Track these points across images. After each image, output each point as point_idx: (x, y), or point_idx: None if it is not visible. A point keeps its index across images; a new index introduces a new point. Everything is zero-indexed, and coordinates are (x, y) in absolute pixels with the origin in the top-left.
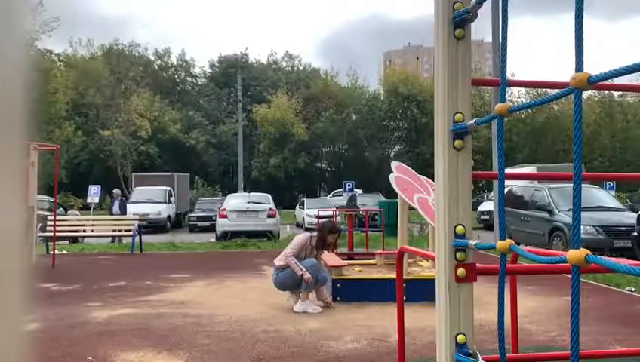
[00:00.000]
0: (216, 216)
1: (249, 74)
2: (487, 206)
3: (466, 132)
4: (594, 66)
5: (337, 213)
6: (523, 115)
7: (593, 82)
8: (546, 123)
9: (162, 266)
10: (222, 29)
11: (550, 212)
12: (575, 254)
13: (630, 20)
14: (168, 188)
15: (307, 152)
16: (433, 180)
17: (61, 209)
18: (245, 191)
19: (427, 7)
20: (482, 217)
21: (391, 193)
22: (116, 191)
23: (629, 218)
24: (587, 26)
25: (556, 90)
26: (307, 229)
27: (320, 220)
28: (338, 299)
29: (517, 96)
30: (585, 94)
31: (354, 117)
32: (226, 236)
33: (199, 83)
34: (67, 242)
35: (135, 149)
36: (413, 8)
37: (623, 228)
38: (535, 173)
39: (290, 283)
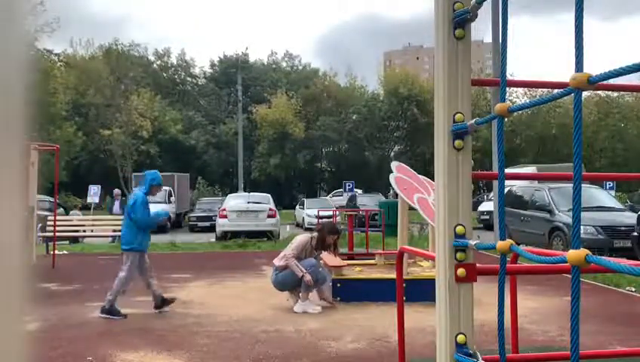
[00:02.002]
0: (216, 216)
1: (249, 74)
2: (487, 206)
3: (466, 132)
4: (592, 66)
5: (337, 213)
6: (523, 116)
7: (593, 82)
8: (549, 127)
9: (162, 266)
10: (222, 29)
11: (550, 212)
12: (575, 254)
13: (628, 20)
14: (168, 188)
15: (307, 151)
16: (433, 180)
17: (61, 209)
18: (245, 191)
19: (427, 7)
20: (482, 217)
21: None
22: (116, 191)
23: (629, 218)
24: (585, 26)
25: (556, 90)
26: (307, 229)
27: (320, 220)
28: (338, 299)
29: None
30: (583, 95)
31: (354, 117)
32: (226, 236)
33: (199, 83)
34: (67, 242)
35: (135, 149)
36: (413, 8)
37: (623, 228)
38: (535, 173)
39: (290, 283)
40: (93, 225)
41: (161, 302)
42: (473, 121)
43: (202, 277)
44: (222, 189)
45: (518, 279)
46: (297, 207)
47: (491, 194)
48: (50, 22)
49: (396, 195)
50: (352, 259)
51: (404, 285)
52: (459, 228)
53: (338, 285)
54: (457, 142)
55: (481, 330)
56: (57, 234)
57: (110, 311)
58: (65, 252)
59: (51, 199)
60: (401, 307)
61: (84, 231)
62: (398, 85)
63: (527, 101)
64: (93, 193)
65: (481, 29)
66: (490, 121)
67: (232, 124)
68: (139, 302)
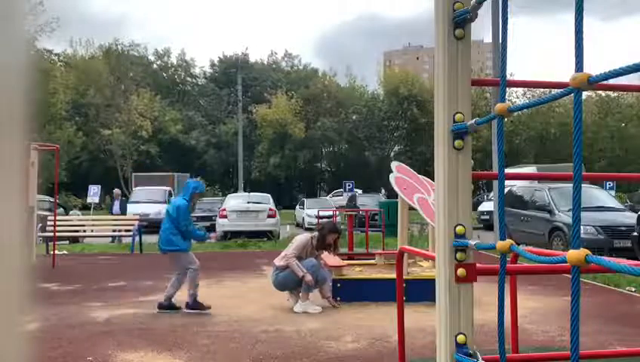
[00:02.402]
0: (216, 216)
1: (249, 74)
2: (487, 206)
3: (466, 132)
4: (592, 66)
5: (337, 213)
6: (522, 116)
7: (593, 82)
8: (548, 127)
9: (162, 266)
10: (222, 29)
11: (550, 212)
12: (575, 254)
13: (628, 20)
14: (168, 188)
15: (307, 151)
16: (433, 180)
17: (61, 209)
18: (245, 191)
19: (427, 7)
20: (482, 217)
21: (391, 193)
22: (116, 191)
23: (629, 218)
24: (585, 26)
25: (556, 90)
26: (307, 229)
27: (320, 220)
28: (338, 299)
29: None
30: (583, 95)
31: (354, 117)
32: (226, 236)
33: (199, 83)
34: (67, 242)
35: (135, 149)
36: (414, 8)
37: (623, 228)
38: (535, 173)
39: (290, 283)
40: (93, 225)
41: (169, 303)
42: (473, 121)
43: (202, 277)
44: (222, 189)
45: (518, 279)
46: (297, 207)
47: (491, 194)
48: (50, 21)
49: (388, 196)
50: (352, 259)
51: (404, 285)
52: (459, 228)
53: (338, 285)
54: (457, 142)
55: (481, 330)
56: (57, 234)
57: (195, 306)
58: (65, 252)
59: (51, 199)
60: (401, 307)
61: (84, 231)
62: (398, 85)
63: (527, 101)
64: (93, 193)
65: (481, 29)
66: (490, 121)
67: (232, 124)
68: (139, 301)
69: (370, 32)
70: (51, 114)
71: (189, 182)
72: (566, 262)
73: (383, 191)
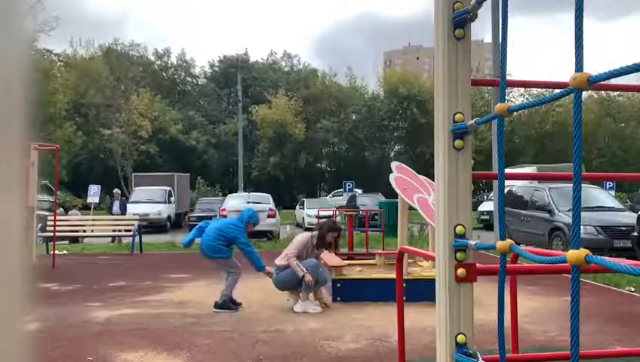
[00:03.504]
0: (216, 216)
1: (249, 74)
2: (487, 206)
3: (466, 132)
4: (592, 66)
5: (337, 213)
6: (522, 117)
7: (593, 82)
8: (549, 127)
9: (162, 266)
10: (222, 29)
11: (550, 212)
12: (575, 254)
13: (627, 20)
14: (168, 188)
15: (308, 154)
16: (433, 180)
17: (61, 209)
18: (245, 191)
19: (427, 7)
20: (482, 217)
21: (391, 193)
22: (116, 191)
23: (629, 218)
24: (585, 26)
25: (556, 90)
26: (307, 229)
27: (320, 220)
28: (338, 299)
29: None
30: (584, 94)
31: (354, 117)
32: None
33: (199, 83)
34: (67, 242)
35: (135, 149)
36: (413, 8)
37: (623, 228)
38: (535, 173)
39: (290, 283)
40: (93, 225)
41: (225, 303)
42: (473, 121)
43: (202, 277)
44: (222, 189)
45: (518, 279)
46: (297, 207)
47: (491, 194)
48: (49, 20)
49: (385, 195)
50: (352, 259)
51: (404, 285)
52: (459, 228)
53: (338, 285)
54: (457, 142)
55: (481, 330)
56: (57, 234)
57: (223, 306)
58: (65, 252)
59: (51, 199)
60: (401, 307)
61: (84, 231)
62: (397, 85)
63: (525, 101)
64: (93, 193)
65: (481, 29)
66: (490, 121)
67: (232, 124)
68: (139, 301)
69: (370, 32)
70: (51, 114)
71: (245, 211)
72: (566, 262)
73: (360, 191)
